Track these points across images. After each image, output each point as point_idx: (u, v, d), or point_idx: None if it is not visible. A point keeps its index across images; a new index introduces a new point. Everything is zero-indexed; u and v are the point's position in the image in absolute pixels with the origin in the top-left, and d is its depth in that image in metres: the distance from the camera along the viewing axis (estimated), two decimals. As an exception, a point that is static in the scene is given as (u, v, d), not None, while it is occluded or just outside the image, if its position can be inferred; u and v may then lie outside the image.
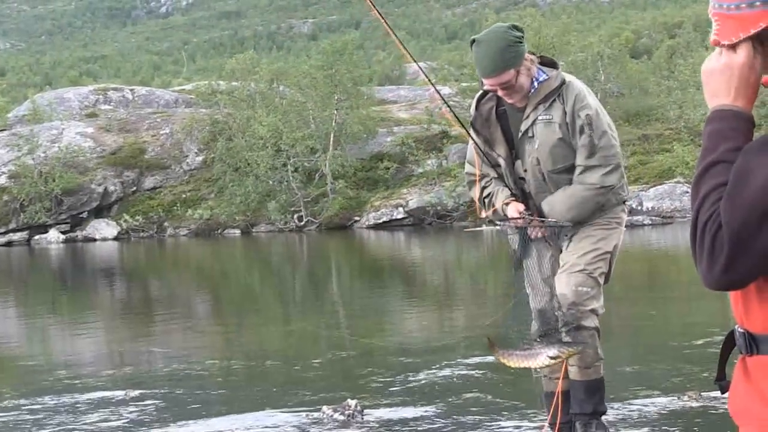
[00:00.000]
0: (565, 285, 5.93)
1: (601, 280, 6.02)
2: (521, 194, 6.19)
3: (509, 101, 6.02)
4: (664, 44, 67.38)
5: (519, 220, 6.07)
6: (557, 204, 5.98)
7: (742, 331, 2.42)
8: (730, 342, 2.50)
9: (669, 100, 46.59)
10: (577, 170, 5.95)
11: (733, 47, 2.39)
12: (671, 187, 37.66)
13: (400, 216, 42.92)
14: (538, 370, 6.01)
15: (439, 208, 42.02)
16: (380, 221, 42.91)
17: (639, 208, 36.32)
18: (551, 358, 5.73)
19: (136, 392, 9.02)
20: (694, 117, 42.69)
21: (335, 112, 47.24)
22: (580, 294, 5.91)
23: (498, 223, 6.25)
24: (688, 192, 36.44)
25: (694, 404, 7.48)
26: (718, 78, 2.40)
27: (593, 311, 5.95)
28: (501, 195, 6.20)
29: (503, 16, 60.86)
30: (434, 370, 9.33)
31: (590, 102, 5.98)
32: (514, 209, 6.09)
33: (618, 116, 44.99)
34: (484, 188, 6.30)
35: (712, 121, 2.39)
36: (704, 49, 50.27)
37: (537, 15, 47.80)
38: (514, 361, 5.82)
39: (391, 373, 9.38)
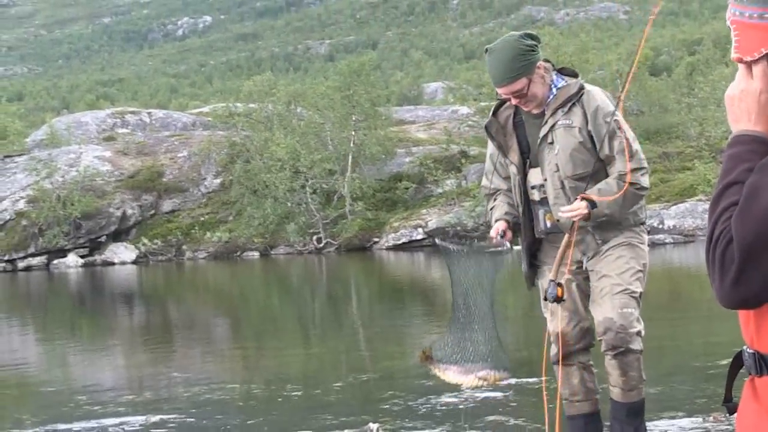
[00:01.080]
0: (610, 309, 5.92)
1: (640, 301, 6.04)
2: (527, 205, 6.23)
3: (525, 109, 6.09)
4: (683, 61, 67.18)
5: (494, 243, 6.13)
6: (607, 194, 5.91)
7: (751, 351, 2.45)
8: (737, 363, 2.55)
9: (689, 118, 46.19)
10: (618, 176, 5.93)
11: (749, 70, 2.41)
12: (693, 205, 37.35)
13: (419, 237, 42.63)
14: (469, 387, 6.26)
15: (458, 228, 41.73)
16: (399, 242, 42.68)
17: (660, 226, 35.98)
18: (480, 378, 5.90)
19: (157, 418, 9.05)
20: (715, 134, 42.39)
21: (353, 133, 47.09)
22: (626, 316, 5.91)
23: (438, 242, 6.23)
24: (709, 210, 36.30)
25: (720, 426, 7.44)
26: (738, 105, 2.43)
27: (638, 333, 5.97)
28: (497, 212, 6.28)
29: (520, 35, 60.41)
30: (456, 393, 9.17)
31: (615, 110, 5.98)
32: (494, 230, 6.15)
33: (638, 134, 44.35)
34: (493, 200, 6.41)
35: (732, 146, 2.43)
36: (724, 65, 50.10)
37: (555, 33, 47.58)
38: (450, 375, 5.96)
39: (413, 396, 9.30)
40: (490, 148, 6.40)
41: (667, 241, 34.86)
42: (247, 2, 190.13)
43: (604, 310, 5.91)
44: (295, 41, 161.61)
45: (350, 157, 46.49)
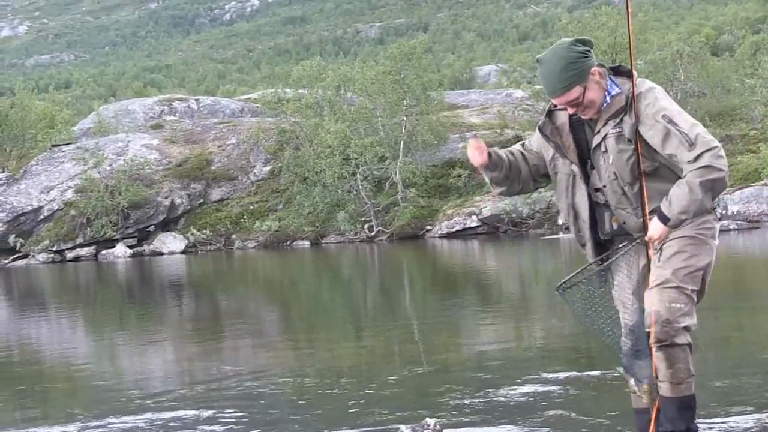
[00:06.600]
0: (658, 301, 5.78)
1: (695, 297, 5.84)
2: (596, 206, 6.11)
3: (584, 117, 5.98)
4: (747, 40, 66.38)
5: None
6: (675, 200, 5.70)
7: None
8: None
9: (753, 99, 45.24)
10: (685, 168, 5.65)
11: None
12: (757, 190, 36.45)
13: (473, 224, 42.08)
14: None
15: (513, 215, 41.04)
16: (453, 230, 42.09)
17: (724, 212, 34.96)
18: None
19: (209, 412, 8.92)
20: (781, 116, 41.55)
21: (405, 118, 46.58)
22: (673, 311, 5.76)
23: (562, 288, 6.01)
24: (775, 194, 35.32)
25: (793, 421, 7.17)
26: None
27: (686, 328, 5.81)
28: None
29: (576, 15, 59.81)
30: (514, 386, 9.07)
31: (665, 104, 5.80)
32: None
33: (699, 117, 43.78)
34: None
35: None
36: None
37: (613, 13, 46.73)
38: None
39: (469, 390, 9.12)
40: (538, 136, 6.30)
41: (731, 227, 33.95)
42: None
43: (653, 302, 5.79)
44: (345, 24, 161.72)
45: (402, 142, 45.86)
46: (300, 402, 9.33)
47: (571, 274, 6.01)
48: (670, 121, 5.68)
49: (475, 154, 6.09)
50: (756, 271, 21.62)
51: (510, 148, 6.38)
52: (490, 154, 6.14)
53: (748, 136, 42.89)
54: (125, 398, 10.03)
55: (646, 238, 5.83)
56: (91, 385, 11.49)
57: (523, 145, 6.40)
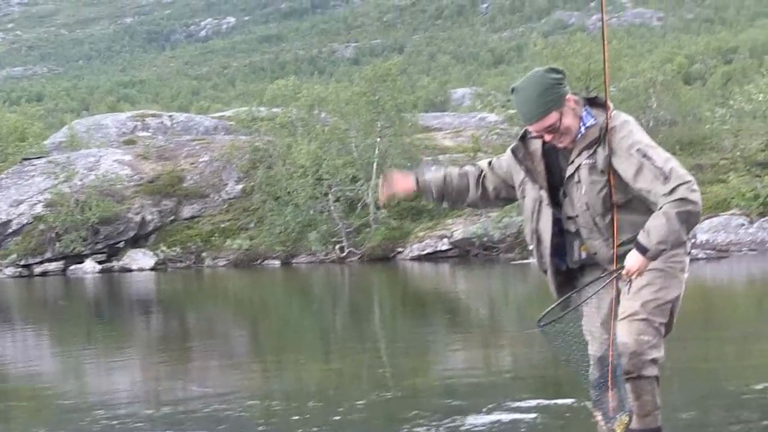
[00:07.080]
0: (626, 333, 5.84)
1: (662, 330, 5.95)
2: (566, 234, 6.09)
3: (560, 145, 5.97)
4: (718, 70, 66.73)
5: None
6: (653, 230, 5.66)
7: None
8: None
9: (724, 129, 45.42)
10: (660, 201, 5.65)
11: None
12: (727, 219, 36.37)
13: (444, 247, 42.00)
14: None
15: (485, 239, 41.02)
16: (424, 252, 42.01)
17: (693, 240, 34.96)
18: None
19: None
20: (750, 146, 41.48)
21: (378, 139, 46.39)
22: (641, 343, 5.84)
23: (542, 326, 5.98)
24: (744, 224, 35.27)
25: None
26: None
27: (654, 361, 5.91)
28: (428, 174, 6.43)
29: (551, 41, 59.97)
30: (483, 413, 8.95)
31: (639, 138, 5.84)
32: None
33: (670, 145, 43.93)
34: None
35: None
36: (761, 75, 49.39)
37: (588, 40, 46.81)
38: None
39: (437, 416, 8.98)
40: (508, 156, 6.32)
41: (699, 256, 33.84)
42: (272, 3, 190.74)
43: (621, 334, 5.85)
44: (320, 44, 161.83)
45: (375, 164, 45.76)
46: (266, 427, 9.26)
47: (551, 307, 5.99)
48: (645, 155, 5.69)
49: (385, 189, 6.30)
50: (724, 301, 21.53)
51: (464, 170, 6.49)
52: (418, 182, 6.34)
53: (718, 166, 42.91)
54: (90, 418, 9.92)
55: (624, 272, 5.77)
56: (56, 404, 11.39)
57: (490, 163, 6.45)
